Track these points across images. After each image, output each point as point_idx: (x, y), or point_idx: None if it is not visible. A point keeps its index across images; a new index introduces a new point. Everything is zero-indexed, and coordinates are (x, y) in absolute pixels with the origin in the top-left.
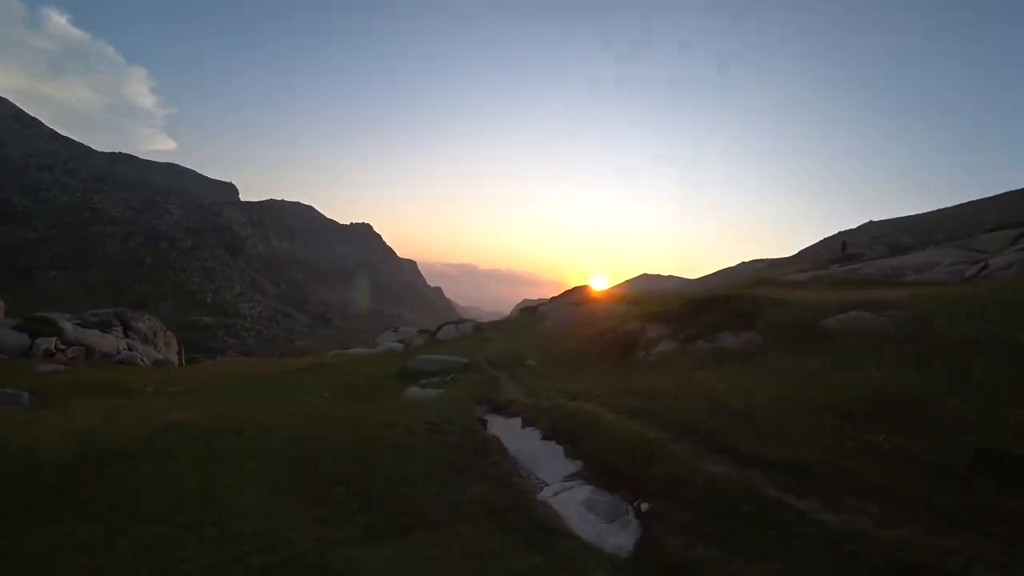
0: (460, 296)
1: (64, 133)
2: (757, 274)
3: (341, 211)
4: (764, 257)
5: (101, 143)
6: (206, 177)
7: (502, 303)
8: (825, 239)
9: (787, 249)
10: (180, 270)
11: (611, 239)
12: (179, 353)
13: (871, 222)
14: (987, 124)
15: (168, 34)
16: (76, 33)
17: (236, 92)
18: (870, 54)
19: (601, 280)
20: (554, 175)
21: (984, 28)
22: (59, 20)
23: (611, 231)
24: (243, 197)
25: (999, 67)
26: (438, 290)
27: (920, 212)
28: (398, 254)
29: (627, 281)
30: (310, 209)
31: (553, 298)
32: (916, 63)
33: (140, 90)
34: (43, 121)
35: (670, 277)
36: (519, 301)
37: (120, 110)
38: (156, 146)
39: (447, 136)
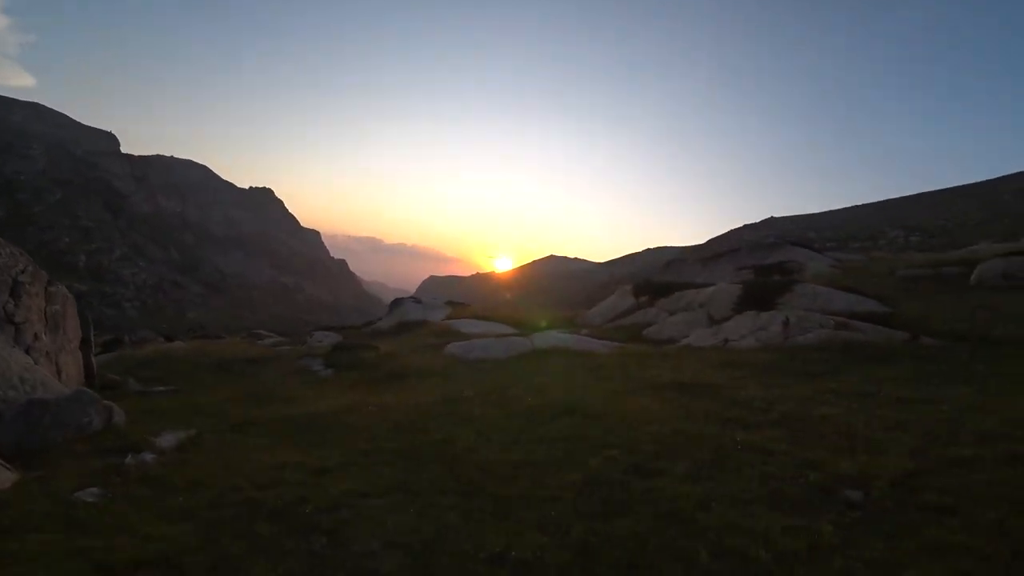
0: (364, 271)
1: None
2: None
3: (239, 174)
4: (668, 245)
5: None
6: (79, 123)
7: (408, 280)
8: (732, 230)
9: (684, 240)
10: (46, 227)
11: (515, 219)
12: (85, 345)
13: (772, 217)
14: (874, 136)
15: None
16: None
17: (114, 25)
18: (773, 51)
19: (506, 260)
20: (462, 151)
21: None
22: None
23: (516, 211)
24: (125, 149)
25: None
26: (343, 263)
27: (810, 212)
28: (301, 223)
29: (534, 262)
30: (204, 169)
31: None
32: (815, 66)
33: None
34: None
35: (576, 259)
36: (426, 277)
37: None
38: (10, 80)
39: (354, 103)
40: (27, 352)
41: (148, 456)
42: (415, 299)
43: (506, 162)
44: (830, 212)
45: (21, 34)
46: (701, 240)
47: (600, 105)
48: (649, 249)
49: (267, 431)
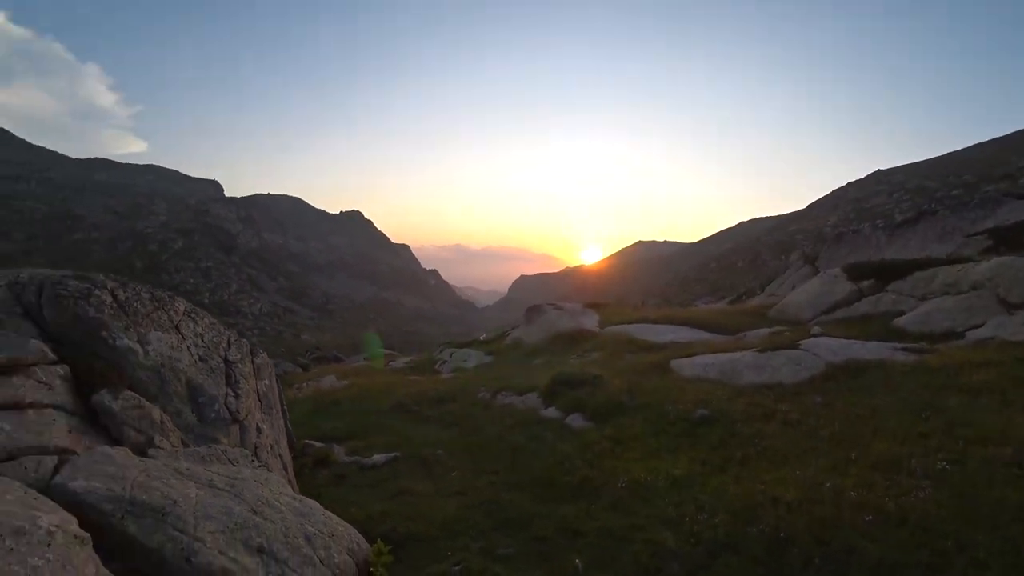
0: (455, 277)
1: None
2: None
3: (330, 201)
4: (766, 215)
5: (68, 149)
6: (188, 176)
7: (498, 282)
8: (834, 191)
9: (782, 207)
10: (175, 271)
11: (599, 208)
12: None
13: (879, 171)
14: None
15: (117, 24)
16: (17, 31)
17: (205, 84)
18: None
19: (595, 251)
20: (537, 148)
21: None
22: None
23: (600, 200)
24: (228, 193)
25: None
26: (435, 272)
27: (918, 160)
28: (391, 240)
29: (622, 250)
30: (298, 201)
31: None
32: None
33: (97, 88)
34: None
35: (666, 243)
36: (516, 278)
37: (80, 113)
38: (126, 148)
39: (430, 118)
40: (255, 453)
41: None
42: (555, 305)
43: (585, 152)
44: (945, 156)
45: (129, 107)
46: (801, 205)
47: (673, 77)
48: (743, 222)
49: None
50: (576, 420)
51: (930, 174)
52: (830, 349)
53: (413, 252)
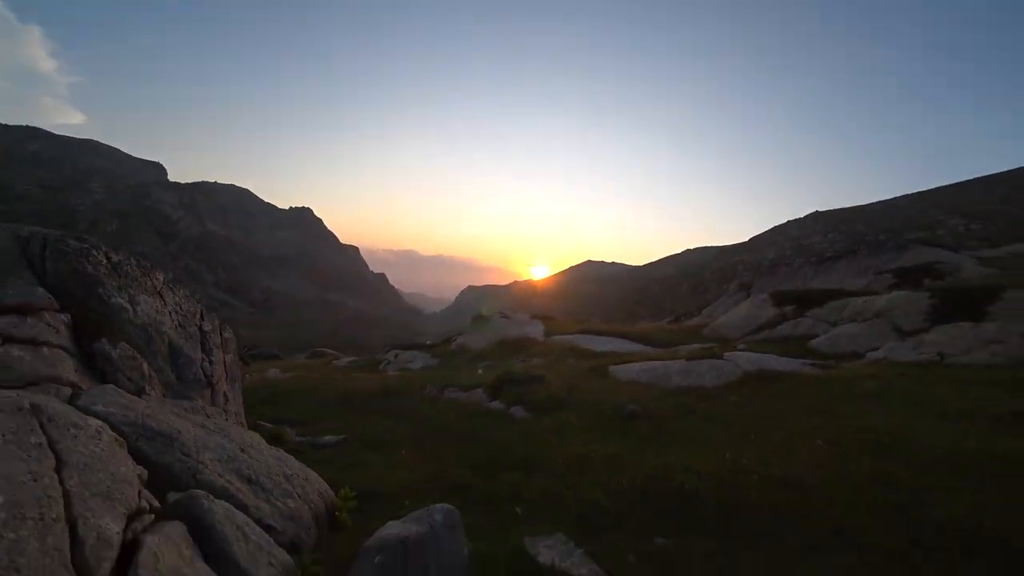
0: (403, 282)
1: None
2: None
3: (279, 195)
4: (711, 244)
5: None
6: (130, 156)
7: (445, 289)
8: (776, 227)
9: (728, 238)
10: None
11: (551, 225)
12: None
13: (817, 212)
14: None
15: None
16: None
17: (155, 59)
18: (812, 32)
19: (544, 267)
20: (494, 161)
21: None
22: None
23: (551, 217)
24: (172, 178)
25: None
26: (382, 276)
27: (855, 205)
28: (340, 240)
29: (571, 267)
30: (246, 192)
31: None
32: (863, 43)
33: (38, 53)
34: None
35: (614, 264)
36: (464, 287)
37: (16, 76)
38: (63, 119)
39: (386, 120)
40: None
41: None
42: (502, 313)
43: (540, 170)
44: (876, 204)
45: (68, 75)
46: (744, 238)
47: (631, 108)
48: (689, 250)
49: None
50: (519, 411)
51: (861, 218)
52: (748, 360)
53: (363, 254)
